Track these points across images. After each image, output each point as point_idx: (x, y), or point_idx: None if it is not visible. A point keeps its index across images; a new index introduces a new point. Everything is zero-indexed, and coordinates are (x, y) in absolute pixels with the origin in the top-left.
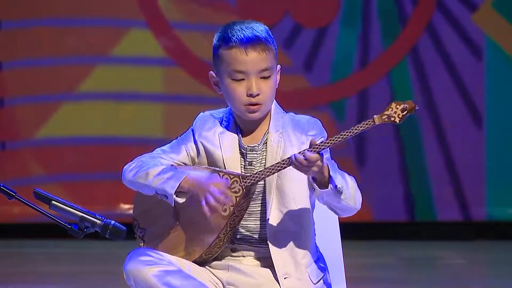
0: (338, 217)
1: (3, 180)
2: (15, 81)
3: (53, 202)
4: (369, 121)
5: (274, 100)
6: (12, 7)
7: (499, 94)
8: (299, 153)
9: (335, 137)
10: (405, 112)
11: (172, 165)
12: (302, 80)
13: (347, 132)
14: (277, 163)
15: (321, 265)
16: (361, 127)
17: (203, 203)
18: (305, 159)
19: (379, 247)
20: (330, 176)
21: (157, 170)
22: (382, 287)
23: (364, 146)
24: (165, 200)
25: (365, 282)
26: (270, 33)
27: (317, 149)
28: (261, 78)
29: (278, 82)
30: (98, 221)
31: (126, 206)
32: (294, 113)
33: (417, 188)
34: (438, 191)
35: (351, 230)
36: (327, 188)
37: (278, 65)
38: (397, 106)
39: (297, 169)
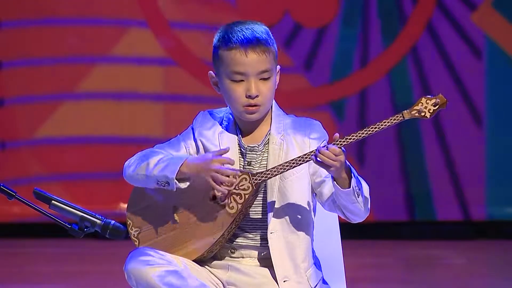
0: (338, 217)
1: (3, 180)
2: (15, 81)
3: (53, 201)
4: (397, 116)
5: (274, 101)
6: (12, 7)
7: (499, 94)
8: (322, 146)
9: (360, 132)
10: (437, 107)
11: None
12: (302, 80)
13: (372, 127)
14: (291, 160)
15: (317, 270)
16: (388, 122)
17: (214, 186)
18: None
19: (379, 247)
20: (351, 176)
21: (157, 158)
22: (382, 287)
23: (364, 146)
24: (167, 188)
25: (365, 282)
26: (271, 34)
27: (341, 144)
28: (260, 79)
29: (277, 82)
30: (98, 221)
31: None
32: (295, 116)
33: (417, 188)
34: (438, 191)
35: (351, 230)
36: (349, 188)
37: (278, 66)
38: (427, 101)
39: (319, 164)
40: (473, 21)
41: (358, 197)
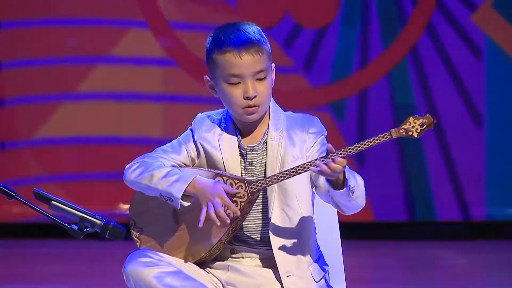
0: (338, 217)
1: (3, 180)
2: (15, 81)
3: (52, 202)
4: (385, 134)
5: (272, 99)
6: (12, 7)
7: (499, 94)
8: (328, 158)
9: (350, 148)
10: (424, 127)
11: (174, 166)
12: (302, 80)
13: (361, 144)
14: (285, 171)
15: (322, 264)
16: (377, 139)
17: (202, 212)
18: (335, 164)
19: (379, 247)
20: (345, 178)
21: (163, 172)
22: (382, 287)
23: None
24: (169, 203)
25: (365, 282)
26: (263, 33)
27: (331, 157)
28: (256, 80)
29: (273, 80)
30: (97, 221)
31: (126, 206)
32: (292, 112)
33: (417, 188)
34: (438, 191)
35: (351, 230)
36: (343, 189)
37: (273, 64)
38: (415, 121)
39: (320, 173)
40: (473, 21)
41: (353, 194)
